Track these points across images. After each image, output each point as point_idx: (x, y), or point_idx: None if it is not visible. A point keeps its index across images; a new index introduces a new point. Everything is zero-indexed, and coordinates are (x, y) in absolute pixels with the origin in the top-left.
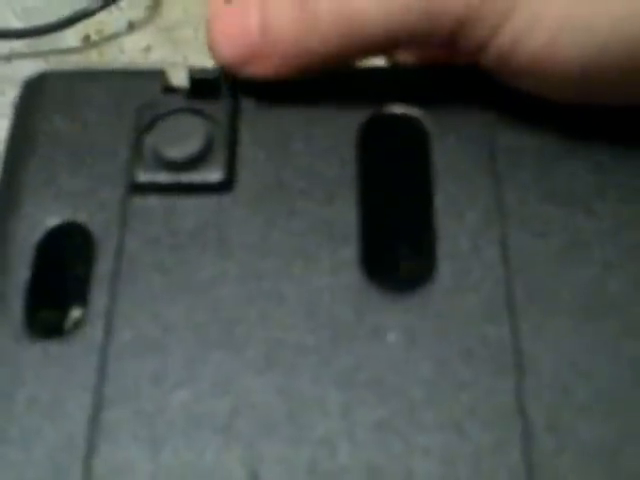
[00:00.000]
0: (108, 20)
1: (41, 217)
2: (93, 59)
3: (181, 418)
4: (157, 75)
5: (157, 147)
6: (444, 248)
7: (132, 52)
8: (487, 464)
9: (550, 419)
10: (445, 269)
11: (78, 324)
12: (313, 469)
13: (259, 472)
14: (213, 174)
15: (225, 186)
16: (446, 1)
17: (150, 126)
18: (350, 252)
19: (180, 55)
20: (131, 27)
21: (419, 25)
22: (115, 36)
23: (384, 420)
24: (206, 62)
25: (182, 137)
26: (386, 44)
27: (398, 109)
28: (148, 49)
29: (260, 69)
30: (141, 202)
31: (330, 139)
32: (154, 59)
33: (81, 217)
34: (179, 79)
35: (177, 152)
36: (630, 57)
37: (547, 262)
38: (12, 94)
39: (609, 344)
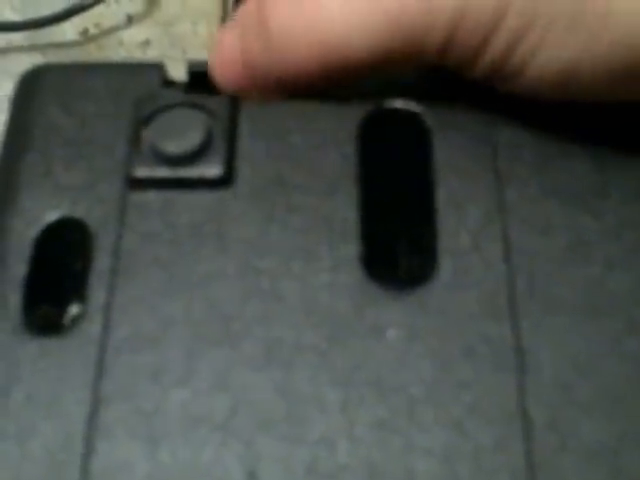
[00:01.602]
0: (106, 14)
1: (38, 212)
2: (91, 53)
3: (179, 416)
4: (155, 68)
5: (155, 141)
6: (445, 245)
7: (130, 46)
8: (488, 463)
9: (551, 418)
10: (446, 266)
11: (76, 320)
12: (312, 468)
13: (257, 471)
14: (212, 169)
15: (224, 181)
16: (437, 4)
17: (148, 120)
18: (350, 248)
19: (179, 49)
20: (130, 21)
21: (411, 37)
22: (114, 30)
23: (384, 419)
24: (205, 56)
25: (181, 131)
26: (374, 65)
27: (399, 104)
28: (146, 43)
29: (252, 96)
30: (139, 197)
31: (330, 134)
32: (152, 53)
33: (79, 212)
34: (178, 73)
35: (176, 146)
36: (631, 53)
37: (549, 260)
38: (9, 87)
39: (611, 342)
